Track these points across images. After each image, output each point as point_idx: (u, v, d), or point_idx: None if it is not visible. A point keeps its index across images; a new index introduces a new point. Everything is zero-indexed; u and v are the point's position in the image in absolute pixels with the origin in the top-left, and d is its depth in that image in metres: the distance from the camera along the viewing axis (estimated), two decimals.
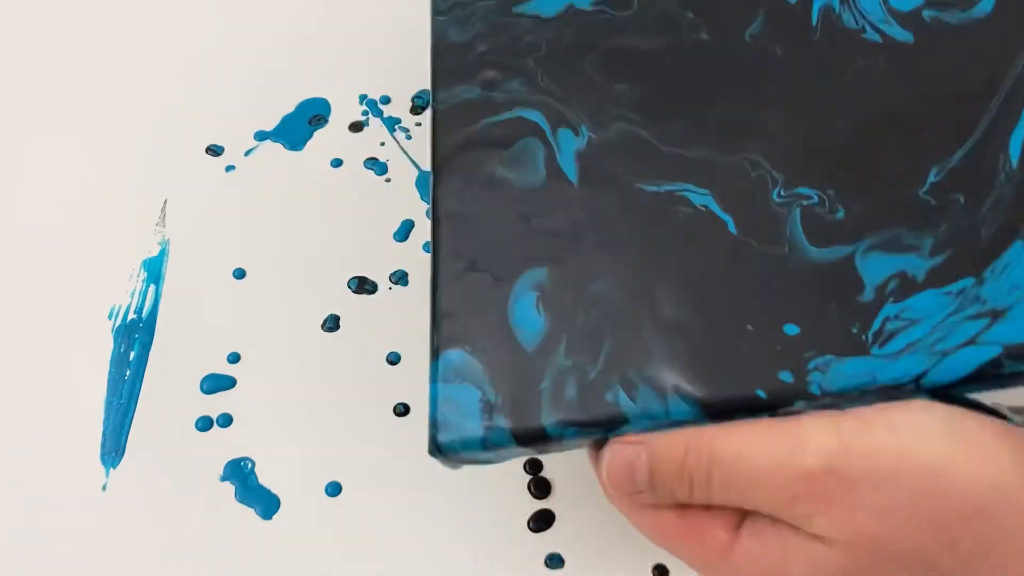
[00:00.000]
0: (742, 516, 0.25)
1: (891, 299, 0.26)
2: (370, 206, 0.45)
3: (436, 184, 0.29)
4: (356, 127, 0.48)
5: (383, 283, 0.43)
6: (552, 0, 0.32)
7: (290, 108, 0.48)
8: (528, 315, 0.27)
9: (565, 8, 0.32)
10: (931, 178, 0.28)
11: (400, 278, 0.43)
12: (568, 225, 0.28)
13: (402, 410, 0.40)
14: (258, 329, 0.42)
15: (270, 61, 0.50)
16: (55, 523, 0.38)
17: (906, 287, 0.27)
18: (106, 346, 0.42)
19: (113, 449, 0.39)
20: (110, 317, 0.42)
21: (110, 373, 0.41)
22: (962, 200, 0.28)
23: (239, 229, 0.45)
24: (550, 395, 0.26)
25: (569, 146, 0.29)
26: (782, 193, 0.28)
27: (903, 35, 0.31)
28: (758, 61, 0.31)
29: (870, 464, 0.23)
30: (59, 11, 0.53)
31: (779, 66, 0.31)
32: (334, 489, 0.38)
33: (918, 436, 0.23)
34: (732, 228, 0.28)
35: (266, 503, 0.38)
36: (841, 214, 0.28)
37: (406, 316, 0.41)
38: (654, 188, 0.28)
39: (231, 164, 0.47)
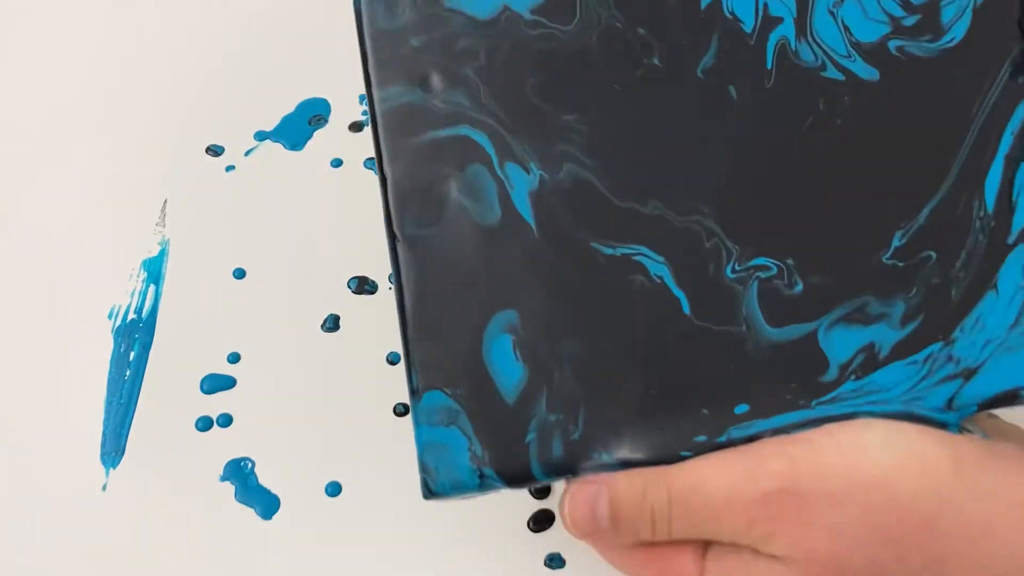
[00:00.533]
0: (706, 546, 0.26)
1: (852, 376, 0.26)
2: (370, 206, 0.45)
3: (392, 200, 0.28)
4: (356, 127, 0.48)
5: (383, 283, 0.43)
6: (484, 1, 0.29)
7: (290, 108, 0.48)
8: (506, 361, 0.27)
9: (500, 9, 0.29)
10: (896, 242, 0.27)
11: None
12: (532, 274, 0.27)
13: (402, 410, 0.40)
14: (258, 329, 0.42)
15: (270, 61, 0.50)
16: (55, 523, 0.38)
17: (870, 363, 0.26)
18: (106, 346, 0.42)
19: (113, 449, 0.39)
20: (110, 317, 0.42)
21: (110, 373, 0.41)
22: (934, 257, 0.27)
23: (239, 229, 0.45)
24: (537, 448, 0.26)
25: (522, 185, 0.28)
26: (737, 268, 0.27)
27: (867, 72, 0.29)
28: (712, 103, 0.28)
29: (821, 483, 0.24)
30: (59, 11, 0.53)
31: (734, 110, 0.28)
32: (334, 489, 0.38)
33: (863, 453, 0.24)
34: (686, 308, 0.27)
35: (266, 503, 0.38)
36: (799, 288, 0.27)
37: None
38: (610, 251, 0.27)
39: (231, 164, 0.47)
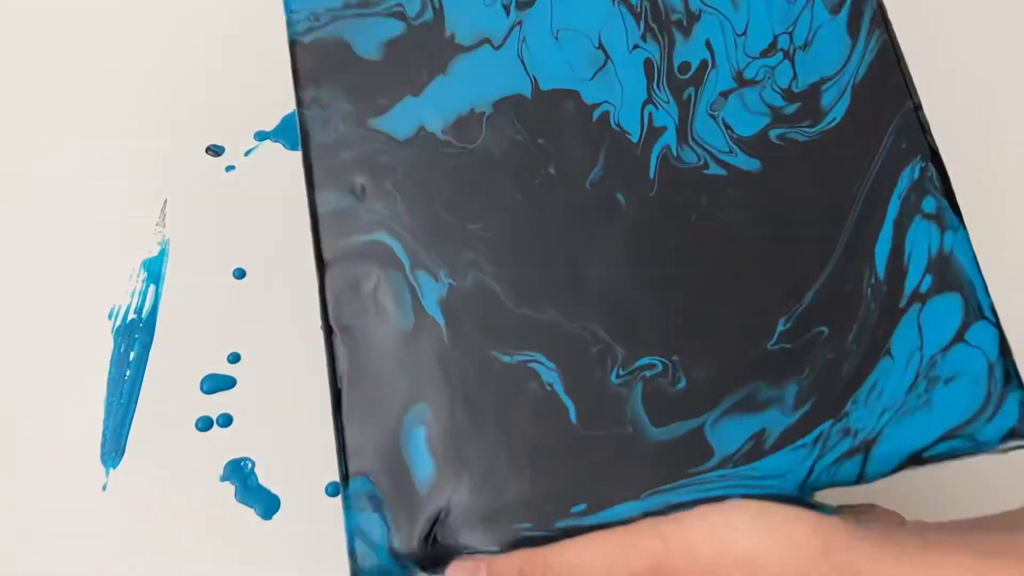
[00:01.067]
0: None
1: (731, 464, 0.27)
2: None
3: (328, 292, 0.30)
4: None
5: None
6: (405, 121, 0.32)
7: (290, 108, 0.48)
8: (419, 454, 0.28)
9: (416, 130, 0.31)
10: (780, 327, 0.28)
11: None
12: (442, 374, 0.29)
13: None
14: (258, 329, 0.42)
15: (270, 61, 0.50)
16: (55, 523, 0.38)
17: (755, 451, 0.27)
18: (106, 346, 0.42)
19: (113, 449, 0.39)
20: (110, 317, 0.42)
21: (110, 373, 0.41)
22: (825, 332, 0.28)
23: (239, 229, 0.45)
24: (443, 530, 0.28)
25: (431, 292, 0.30)
26: (621, 372, 0.28)
27: (749, 164, 0.30)
28: (601, 210, 0.30)
29: (690, 560, 0.24)
30: (60, 11, 0.53)
31: (622, 216, 0.30)
32: (334, 489, 0.38)
33: (732, 532, 0.24)
34: (572, 417, 0.28)
35: (266, 503, 0.38)
36: (682, 384, 0.28)
37: None
38: (507, 359, 0.29)
39: (231, 164, 0.47)
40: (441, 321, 0.29)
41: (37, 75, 0.50)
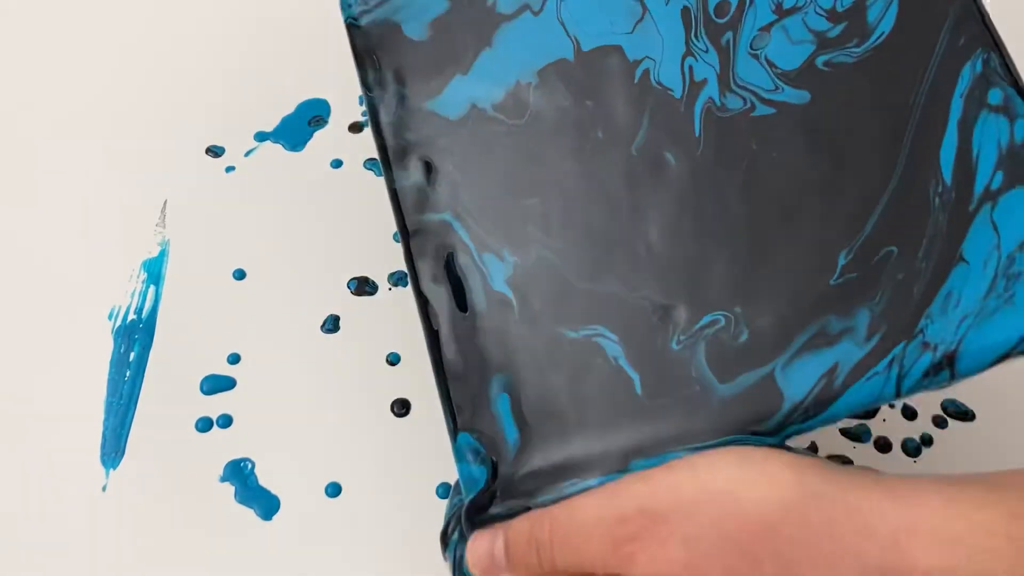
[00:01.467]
0: None
1: (799, 414, 0.27)
2: (370, 206, 0.45)
3: (415, 256, 0.31)
4: (356, 128, 0.48)
5: (383, 284, 0.43)
6: (456, 101, 0.33)
7: (290, 109, 0.49)
8: (507, 421, 0.29)
9: (468, 110, 0.32)
10: (842, 260, 0.28)
11: (400, 279, 0.43)
12: (516, 351, 0.30)
13: (402, 410, 0.40)
14: (258, 329, 0.42)
15: (270, 61, 0.50)
16: (55, 523, 0.38)
17: (826, 391, 0.27)
18: (106, 347, 0.42)
19: (113, 449, 0.39)
20: (110, 318, 0.43)
21: (110, 374, 0.41)
22: (895, 251, 0.27)
23: (239, 229, 0.45)
24: (521, 486, 0.29)
25: (498, 272, 0.31)
26: (682, 338, 0.28)
27: (797, 96, 0.30)
28: (652, 172, 0.30)
29: (674, 498, 0.25)
30: (60, 11, 0.53)
31: (673, 175, 0.30)
32: (334, 489, 0.38)
33: (714, 471, 0.26)
34: (638, 388, 0.28)
35: (266, 503, 0.38)
36: (744, 336, 0.28)
37: (406, 317, 0.41)
38: (573, 335, 0.29)
39: (231, 165, 0.47)
40: (512, 298, 0.30)
41: (37, 75, 0.51)
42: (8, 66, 0.51)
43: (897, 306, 0.27)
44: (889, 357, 0.26)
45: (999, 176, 0.27)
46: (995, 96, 0.28)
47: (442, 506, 0.38)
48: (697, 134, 0.30)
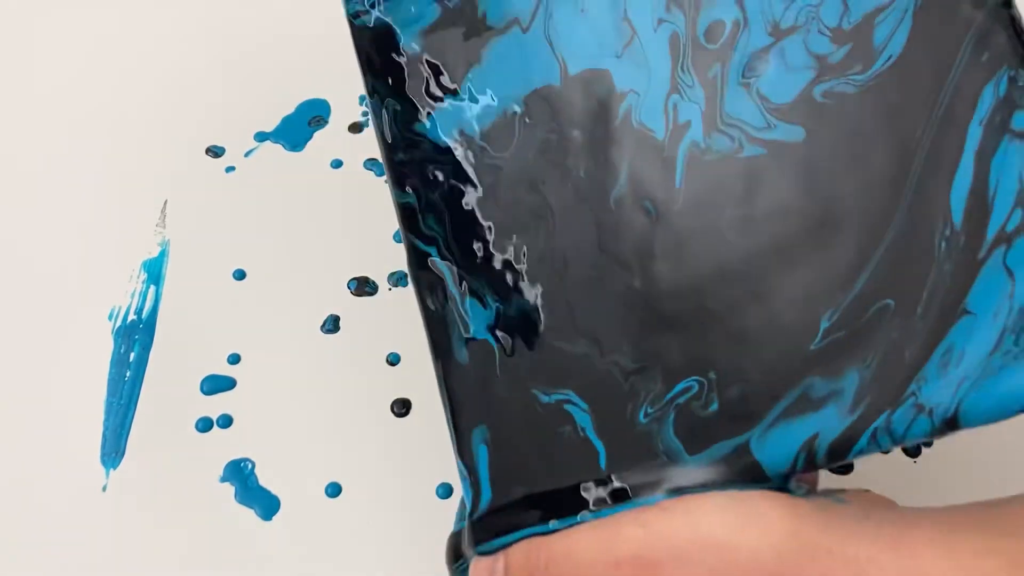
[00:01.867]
0: None
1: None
2: (370, 206, 0.45)
3: (421, 286, 0.30)
4: (356, 128, 0.48)
5: (383, 284, 0.43)
6: (445, 127, 0.30)
7: (290, 109, 0.49)
8: (483, 464, 0.28)
9: (457, 137, 0.30)
10: (824, 324, 0.25)
11: (400, 279, 0.43)
12: (494, 403, 0.28)
13: (402, 410, 0.40)
14: (258, 329, 0.42)
15: (270, 61, 0.50)
16: (55, 523, 0.38)
17: (810, 466, 0.25)
18: (106, 347, 0.42)
19: (113, 450, 0.39)
20: (110, 318, 0.43)
21: (110, 374, 0.41)
22: (892, 305, 0.25)
23: (239, 229, 0.45)
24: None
25: (480, 319, 0.29)
26: (649, 411, 0.27)
27: (791, 133, 0.27)
28: (627, 229, 0.28)
29: (669, 545, 0.25)
30: (60, 11, 0.53)
31: (652, 227, 0.28)
32: (334, 489, 0.38)
33: (708, 516, 0.25)
34: (602, 462, 0.27)
35: (266, 503, 0.38)
36: (715, 407, 0.26)
37: (406, 317, 0.41)
38: (546, 399, 0.28)
39: (231, 165, 0.47)
40: (495, 347, 0.28)
41: (37, 76, 0.51)
42: (8, 66, 0.51)
43: (889, 366, 0.24)
44: (871, 428, 0.24)
45: (1017, 215, 0.24)
46: (1021, 120, 0.24)
47: (442, 506, 0.38)
48: (678, 185, 0.28)
